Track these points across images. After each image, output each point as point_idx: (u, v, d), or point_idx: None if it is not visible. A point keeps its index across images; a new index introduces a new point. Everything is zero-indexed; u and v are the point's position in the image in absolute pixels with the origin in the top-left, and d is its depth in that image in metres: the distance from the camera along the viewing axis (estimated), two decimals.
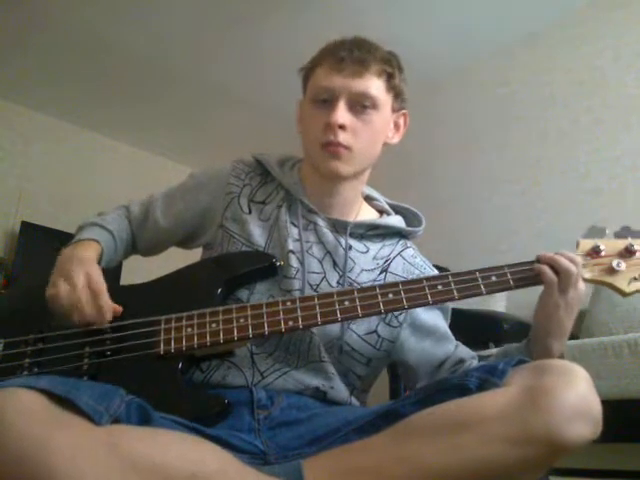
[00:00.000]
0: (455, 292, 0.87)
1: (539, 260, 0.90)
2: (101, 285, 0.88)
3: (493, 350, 2.16)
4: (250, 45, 3.40)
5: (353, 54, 0.97)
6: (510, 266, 0.90)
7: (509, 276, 0.89)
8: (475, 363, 1.02)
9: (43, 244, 3.50)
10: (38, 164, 4.07)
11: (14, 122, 4.02)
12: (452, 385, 0.76)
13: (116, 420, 0.66)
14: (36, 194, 3.95)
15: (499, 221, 3.12)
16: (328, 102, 0.97)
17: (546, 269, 0.88)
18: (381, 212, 1.13)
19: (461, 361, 1.01)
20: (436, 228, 3.23)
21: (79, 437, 0.59)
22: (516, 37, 3.24)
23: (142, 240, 1.11)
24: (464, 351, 1.04)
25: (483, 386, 0.73)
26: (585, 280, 0.90)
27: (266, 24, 3.22)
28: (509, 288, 0.89)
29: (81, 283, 0.87)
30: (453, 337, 1.06)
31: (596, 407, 0.67)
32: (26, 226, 3.77)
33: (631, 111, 2.78)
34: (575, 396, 0.66)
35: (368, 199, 1.13)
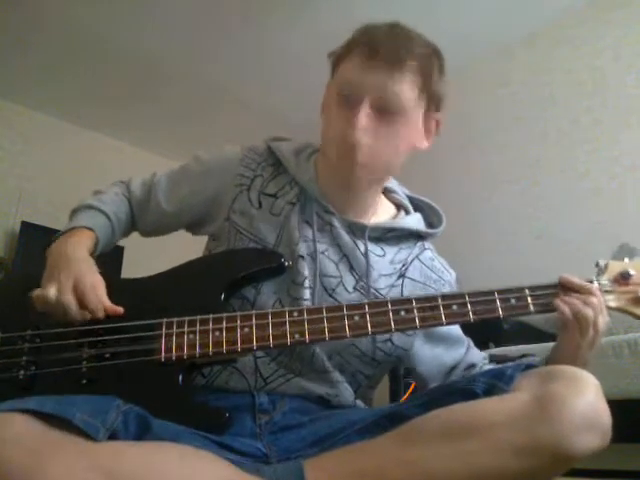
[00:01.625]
0: (471, 314, 0.83)
1: (561, 285, 0.85)
2: (93, 299, 0.83)
3: (493, 350, 2.16)
4: (253, 46, 3.39)
5: (388, 48, 0.87)
6: (531, 289, 0.85)
7: (529, 300, 0.84)
8: (487, 365, 1.00)
9: (43, 244, 3.49)
10: (38, 164, 4.06)
11: (14, 122, 4.01)
12: (458, 389, 0.75)
13: (113, 434, 0.64)
14: (36, 194, 3.94)
15: (499, 221, 3.12)
16: (353, 98, 0.88)
17: (565, 309, 0.83)
18: (398, 206, 1.08)
19: (472, 365, 1.00)
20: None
21: (73, 463, 0.57)
22: (516, 37, 3.23)
23: (143, 221, 1.07)
24: (475, 354, 1.02)
25: (490, 391, 0.72)
26: (609, 308, 0.85)
27: (266, 24, 3.21)
28: (528, 313, 0.84)
29: (69, 287, 0.83)
30: (465, 338, 1.04)
31: (605, 416, 0.66)
32: (26, 226, 3.76)
33: (631, 111, 2.78)
34: (585, 405, 0.65)
35: (386, 191, 1.08)
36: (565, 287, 0.85)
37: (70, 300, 0.82)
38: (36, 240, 3.61)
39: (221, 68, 3.61)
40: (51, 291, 0.83)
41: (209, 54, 3.47)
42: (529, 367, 0.74)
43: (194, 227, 1.07)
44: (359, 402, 0.97)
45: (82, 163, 4.26)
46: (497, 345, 2.26)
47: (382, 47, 0.87)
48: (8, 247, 3.81)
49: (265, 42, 3.36)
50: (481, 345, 2.25)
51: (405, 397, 2.34)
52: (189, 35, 3.31)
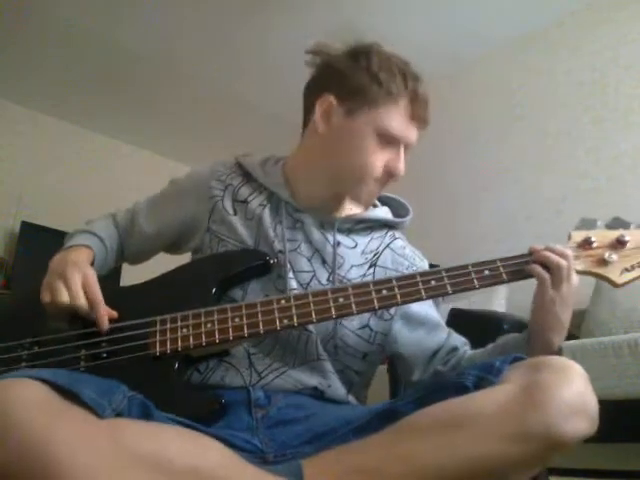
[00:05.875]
0: (448, 287, 0.87)
1: (531, 253, 0.90)
2: (97, 291, 0.88)
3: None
4: (254, 46, 3.40)
5: (426, 113, 1.02)
6: (503, 260, 0.90)
7: (502, 270, 0.88)
8: (468, 350, 1.03)
9: (43, 244, 3.48)
10: (38, 164, 4.07)
11: (14, 122, 4.02)
12: (449, 384, 0.77)
13: (118, 415, 0.66)
14: (36, 194, 3.95)
15: (499, 221, 3.12)
16: (391, 143, 0.99)
17: (537, 267, 0.88)
18: None
19: (454, 349, 1.02)
20: (436, 228, 3.23)
21: (82, 429, 0.59)
22: (516, 37, 3.24)
23: (129, 248, 1.11)
24: (456, 339, 1.04)
25: (480, 384, 0.73)
26: (577, 272, 0.90)
27: (266, 24, 3.22)
28: (502, 282, 0.89)
29: (78, 284, 0.87)
30: (445, 325, 1.06)
31: (592, 403, 0.68)
32: (26, 226, 3.77)
33: (631, 111, 2.78)
34: (571, 392, 0.66)
35: None
36: (535, 257, 0.90)
37: (80, 294, 0.87)
38: (36, 240, 3.63)
39: (222, 69, 3.62)
40: (59, 287, 0.87)
41: (210, 55, 3.49)
42: (517, 359, 0.76)
43: (175, 247, 1.12)
44: (351, 398, 0.98)
45: (82, 163, 4.28)
46: None
47: (422, 112, 1.02)
48: (8, 247, 3.82)
49: (265, 42, 3.37)
50: (481, 345, 2.26)
51: None
52: (189, 36, 3.33)
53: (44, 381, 0.62)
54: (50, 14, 3.13)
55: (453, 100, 3.46)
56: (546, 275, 0.87)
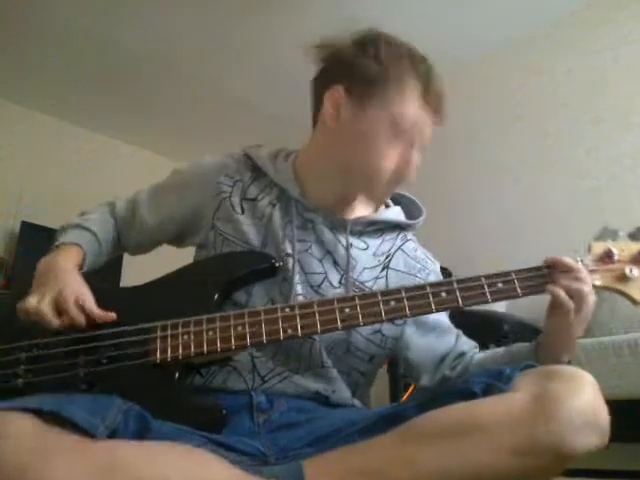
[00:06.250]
0: (460, 300, 0.83)
1: (548, 266, 0.86)
2: (84, 306, 0.85)
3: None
4: (252, 45, 3.39)
5: (440, 105, 0.97)
6: (517, 272, 0.85)
7: (517, 283, 0.84)
8: (477, 353, 1.01)
9: (43, 244, 3.48)
10: (38, 164, 4.06)
11: (14, 122, 4.01)
12: (457, 389, 0.75)
13: (114, 432, 0.64)
14: (36, 194, 3.94)
15: (499, 222, 3.12)
16: (403, 139, 0.94)
17: (562, 293, 0.83)
18: None
19: (462, 354, 1.01)
20: (437, 229, 3.22)
21: (75, 461, 0.56)
22: (516, 37, 3.24)
23: (129, 239, 1.09)
24: (465, 342, 1.03)
25: (489, 391, 0.72)
26: (596, 287, 0.86)
27: (266, 23, 3.21)
28: (516, 296, 0.84)
29: (49, 298, 0.85)
30: (454, 328, 1.05)
31: (604, 415, 0.66)
32: (26, 226, 3.76)
33: (631, 111, 2.78)
34: (583, 404, 0.65)
35: None
36: (551, 267, 0.86)
37: (45, 310, 0.84)
38: (36, 240, 3.62)
39: (222, 69, 3.61)
40: (32, 302, 0.85)
41: (210, 55, 3.48)
42: (528, 367, 0.74)
43: (178, 239, 1.08)
44: (356, 402, 0.97)
45: (82, 163, 4.26)
46: (497, 346, 2.26)
47: (434, 102, 0.97)
48: (8, 247, 3.82)
49: (265, 42, 3.36)
50: (481, 346, 2.26)
51: (405, 397, 2.34)
52: (189, 36, 3.32)
53: (33, 409, 0.60)
54: (50, 14, 3.12)
55: (453, 100, 3.45)
56: (572, 305, 0.83)
